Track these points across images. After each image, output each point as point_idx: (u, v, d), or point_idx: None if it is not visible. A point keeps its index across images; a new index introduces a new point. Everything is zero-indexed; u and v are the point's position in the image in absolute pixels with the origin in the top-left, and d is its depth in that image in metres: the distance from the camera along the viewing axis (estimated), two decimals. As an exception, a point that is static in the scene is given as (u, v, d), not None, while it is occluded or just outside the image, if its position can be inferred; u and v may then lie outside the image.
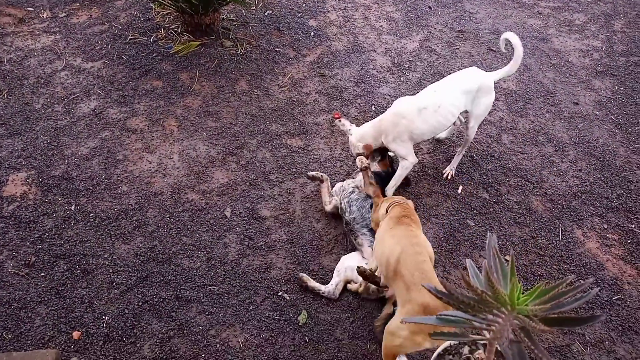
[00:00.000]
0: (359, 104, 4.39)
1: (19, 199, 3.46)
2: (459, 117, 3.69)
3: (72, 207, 3.44)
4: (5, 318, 2.88)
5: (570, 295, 1.60)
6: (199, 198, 3.57)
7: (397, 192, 3.54)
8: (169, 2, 4.59)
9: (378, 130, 3.44)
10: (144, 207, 3.48)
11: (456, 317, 1.70)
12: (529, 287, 3.23)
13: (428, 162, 3.99)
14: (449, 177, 3.82)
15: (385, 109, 4.31)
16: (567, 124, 4.44)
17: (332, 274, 3.16)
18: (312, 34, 5.06)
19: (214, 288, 3.11)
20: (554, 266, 3.40)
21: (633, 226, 3.69)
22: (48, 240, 3.25)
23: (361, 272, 2.85)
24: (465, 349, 2.25)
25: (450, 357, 2.25)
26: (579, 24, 5.64)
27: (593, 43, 5.39)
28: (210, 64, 4.59)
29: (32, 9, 4.99)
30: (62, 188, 3.54)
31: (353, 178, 3.52)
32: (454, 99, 3.35)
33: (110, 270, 3.14)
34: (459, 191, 3.79)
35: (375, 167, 3.60)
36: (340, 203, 3.37)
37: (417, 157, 3.55)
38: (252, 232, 3.41)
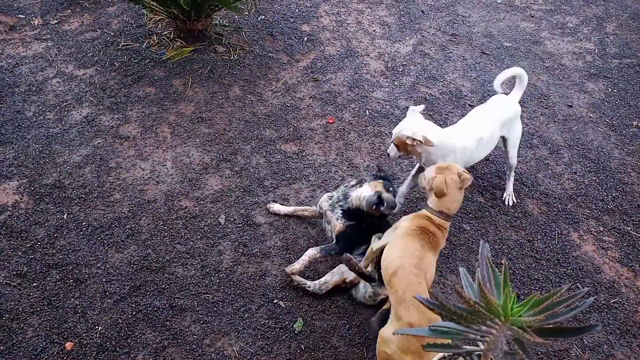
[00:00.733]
0: (353, 108, 4.38)
1: (10, 208, 3.42)
2: None
3: (65, 216, 3.40)
4: (-4, 330, 2.84)
5: (565, 305, 1.58)
6: (192, 205, 3.54)
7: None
8: (161, 8, 4.57)
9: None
10: (137, 215, 3.45)
11: (449, 328, 1.68)
12: (525, 292, 3.23)
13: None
14: (511, 203, 3.77)
15: (380, 114, 4.33)
16: (561, 127, 4.44)
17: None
18: (305, 39, 5.05)
19: (208, 296, 3.08)
20: (551, 270, 3.39)
21: (629, 228, 3.68)
22: (40, 249, 3.21)
23: (347, 260, 2.84)
24: (459, 361, 2.22)
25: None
26: (571, 27, 5.66)
27: (586, 45, 5.41)
28: (203, 69, 4.57)
29: (24, 16, 4.96)
30: (54, 197, 3.50)
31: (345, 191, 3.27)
32: (496, 131, 3.40)
33: (104, 280, 3.10)
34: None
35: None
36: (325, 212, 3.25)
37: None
38: (246, 239, 3.38)
